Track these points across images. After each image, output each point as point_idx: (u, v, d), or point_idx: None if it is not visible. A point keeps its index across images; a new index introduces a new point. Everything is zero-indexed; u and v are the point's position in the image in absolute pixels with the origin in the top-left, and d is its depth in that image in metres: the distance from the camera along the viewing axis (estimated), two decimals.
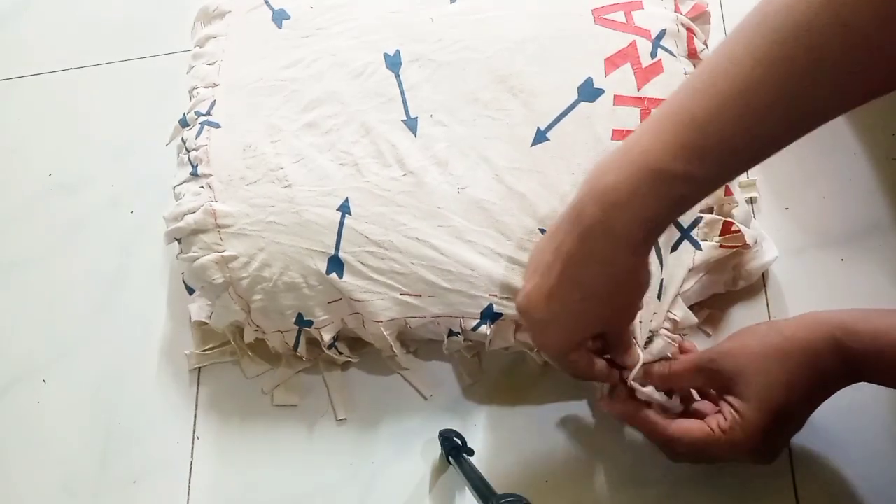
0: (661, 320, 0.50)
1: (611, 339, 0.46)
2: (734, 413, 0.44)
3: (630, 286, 0.42)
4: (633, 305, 0.44)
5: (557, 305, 0.42)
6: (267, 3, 0.59)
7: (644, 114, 0.52)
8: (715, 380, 0.46)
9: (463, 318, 0.51)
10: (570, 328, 0.43)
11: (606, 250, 0.40)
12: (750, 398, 0.44)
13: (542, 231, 0.50)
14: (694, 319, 0.52)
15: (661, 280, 0.50)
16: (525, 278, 0.44)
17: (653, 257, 0.49)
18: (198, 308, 0.58)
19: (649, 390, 0.47)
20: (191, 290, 0.56)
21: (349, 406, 0.57)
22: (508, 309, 0.50)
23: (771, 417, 0.43)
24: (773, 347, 0.44)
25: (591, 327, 0.44)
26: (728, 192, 0.51)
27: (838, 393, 0.46)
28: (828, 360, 0.43)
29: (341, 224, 0.51)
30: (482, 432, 0.55)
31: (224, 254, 0.51)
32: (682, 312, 0.51)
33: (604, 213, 0.39)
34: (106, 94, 0.72)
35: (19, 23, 0.77)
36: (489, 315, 0.50)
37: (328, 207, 0.51)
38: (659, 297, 0.50)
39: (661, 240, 0.49)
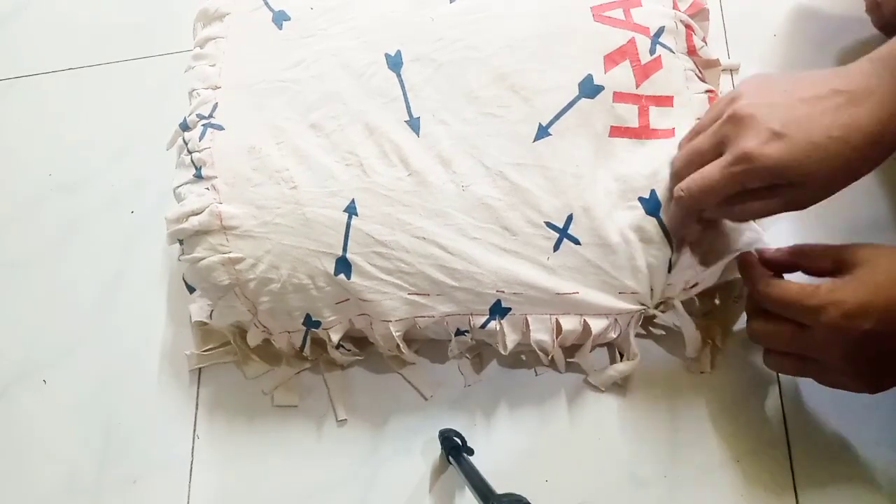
0: (676, 289, 0.52)
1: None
2: (837, 279, 0.43)
3: (872, 168, 0.43)
4: (845, 186, 0.44)
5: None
6: (267, 4, 0.59)
7: (642, 111, 0.52)
8: (843, 265, 0.44)
9: (472, 315, 0.51)
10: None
11: (893, 127, 0.41)
12: (861, 275, 0.42)
13: (548, 224, 0.50)
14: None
15: (670, 259, 0.50)
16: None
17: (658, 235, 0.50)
18: (198, 308, 0.58)
19: None
20: (191, 290, 0.56)
21: (349, 406, 0.57)
22: (516, 303, 0.50)
23: (874, 295, 0.41)
24: None
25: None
26: None
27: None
28: None
29: (348, 225, 0.51)
30: (482, 432, 0.55)
31: (230, 255, 0.51)
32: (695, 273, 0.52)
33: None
34: (106, 94, 0.72)
35: (19, 23, 0.77)
36: (498, 311, 0.51)
37: (334, 208, 0.51)
38: (669, 270, 0.51)
39: None
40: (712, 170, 0.45)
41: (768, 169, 0.42)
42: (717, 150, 0.45)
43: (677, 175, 0.48)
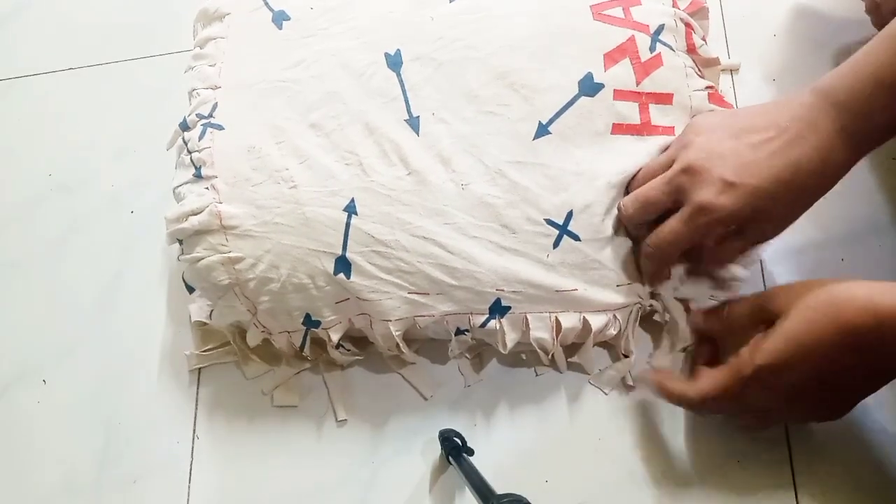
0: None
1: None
2: (755, 342, 0.44)
3: (822, 195, 0.45)
4: (802, 213, 0.47)
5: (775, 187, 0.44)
6: (267, 4, 0.59)
7: (643, 108, 0.52)
8: (762, 318, 0.46)
9: (472, 314, 0.51)
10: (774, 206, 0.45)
11: (839, 153, 0.43)
12: (781, 328, 0.43)
13: (548, 221, 0.50)
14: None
15: None
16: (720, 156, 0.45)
17: None
18: (198, 308, 0.58)
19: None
20: (191, 290, 0.56)
21: (349, 406, 0.57)
22: (516, 302, 0.50)
23: (793, 348, 0.42)
24: (827, 311, 0.42)
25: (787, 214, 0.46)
26: None
27: None
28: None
29: (348, 224, 0.51)
30: (482, 432, 0.55)
31: (230, 255, 0.51)
32: None
33: (843, 126, 0.42)
34: (106, 94, 0.72)
35: (19, 23, 0.77)
36: (497, 309, 0.51)
37: (334, 208, 0.51)
38: None
39: None
40: (675, 225, 0.47)
41: (725, 219, 0.45)
42: (671, 200, 0.48)
43: (630, 219, 0.50)
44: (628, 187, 0.52)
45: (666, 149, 0.51)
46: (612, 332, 0.52)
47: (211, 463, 0.57)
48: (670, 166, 0.48)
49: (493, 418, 0.55)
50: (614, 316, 0.52)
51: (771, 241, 0.53)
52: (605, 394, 0.55)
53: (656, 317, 0.55)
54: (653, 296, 0.53)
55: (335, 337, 0.53)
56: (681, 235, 0.47)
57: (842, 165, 0.44)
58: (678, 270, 0.52)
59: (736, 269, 0.52)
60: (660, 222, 0.49)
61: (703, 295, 0.53)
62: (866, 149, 0.44)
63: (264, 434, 0.57)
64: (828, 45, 0.62)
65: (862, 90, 0.43)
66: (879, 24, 0.58)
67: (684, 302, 0.53)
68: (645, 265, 0.51)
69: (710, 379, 0.46)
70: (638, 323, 0.53)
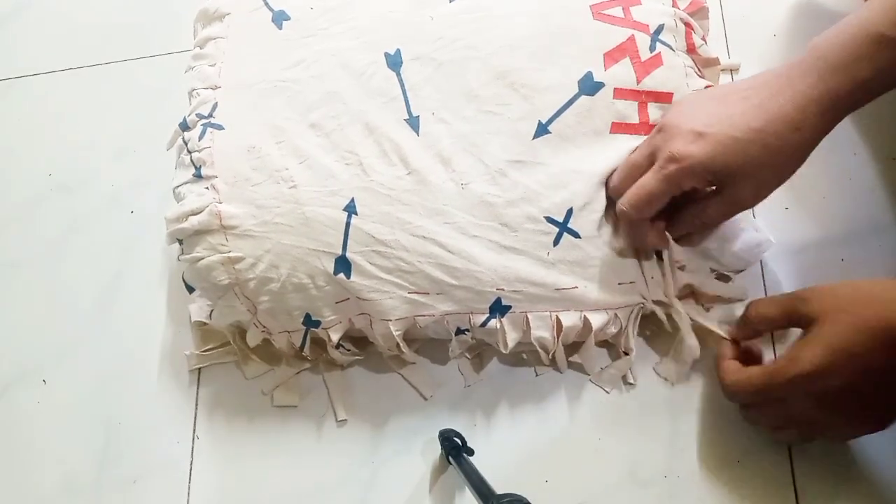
0: (670, 285, 0.52)
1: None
2: (794, 347, 0.43)
3: (801, 155, 0.44)
4: (783, 178, 0.46)
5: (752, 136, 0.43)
6: (267, 4, 0.59)
7: (642, 107, 0.52)
8: (798, 320, 0.45)
9: (472, 314, 0.51)
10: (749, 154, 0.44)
11: (814, 109, 0.43)
12: (816, 335, 0.43)
13: (548, 219, 0.50)
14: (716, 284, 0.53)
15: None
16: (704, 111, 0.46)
17: None
18: (198, 308, 0.58)
19: None
20: (191, 290, 0.56)
21: (349, 406, 0.57)
22: (516, 301, 0.50)
23: (833, 355, 0.42)
24: (864, 314, 0.42)
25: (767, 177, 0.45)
26: None
27: None
28: None
29: (348, 224, 0.51)
30: (482, 432, 0.55)
31: (230, 255, 0.51)
32: (699, 278, 0.52)
33: (820, 77, 0.42)
34: (106, 94, 0.72)
35: (19, 23, 0.77)
36: (498, 309, 0.51)
37: (334, 208, 0.51)
38: (660, 257, 0.52)
39: None
40: (646, 178, 0.47)
41: (694, 166, 0.45)
42: (649, 161, 0.48)
43: (616, 190, 0.50)
44: None
45: None
46: (613, 330, 0.53)
47: (211, 463, 0.57)
48: None
49: (493, 418, 0.55)
50: (615, 314, 0.52)
51: (771, 240, 0.53)
52: (607, 392, 0.55)
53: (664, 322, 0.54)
54: (657, 303, 0.52)
55: (335, 337, 0.53)
56: (653, 189, 0.47)
57: (818, 122, 0.43)
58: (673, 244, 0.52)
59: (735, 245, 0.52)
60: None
61: (704, 270, 0.53)
62: (845, 106, 0.44)
63: (264, 434, 0.57)
64: None
65: (845, 42, 0.43)
66: None
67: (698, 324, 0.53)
68: (623, 229, 0.51)
69: (740, 374, 0.47)
70: (638, 321, 0.53)
